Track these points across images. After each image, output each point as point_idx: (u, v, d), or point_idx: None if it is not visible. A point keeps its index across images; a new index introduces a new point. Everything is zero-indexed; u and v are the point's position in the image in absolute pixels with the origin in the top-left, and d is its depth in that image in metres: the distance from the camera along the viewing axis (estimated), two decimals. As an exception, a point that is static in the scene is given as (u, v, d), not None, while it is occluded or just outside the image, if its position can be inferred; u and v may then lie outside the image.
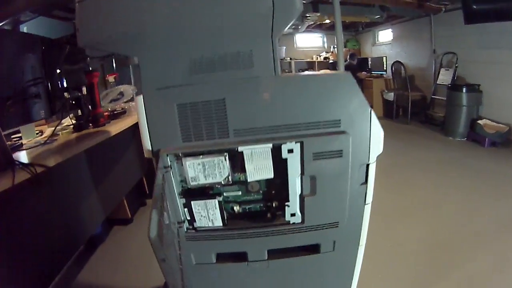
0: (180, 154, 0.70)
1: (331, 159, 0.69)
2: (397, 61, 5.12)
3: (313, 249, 0.82)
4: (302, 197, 0.73)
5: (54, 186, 1.32)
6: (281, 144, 0.68)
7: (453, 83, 4.17)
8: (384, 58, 5.72)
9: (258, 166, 0.70)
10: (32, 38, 1.43)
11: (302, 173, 0.70)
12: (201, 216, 0.76)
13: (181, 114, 0.68)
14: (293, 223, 0.76)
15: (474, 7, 3.10)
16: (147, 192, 2.63)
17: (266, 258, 0.82)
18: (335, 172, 0.70)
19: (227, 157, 0.71)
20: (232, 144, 0.68)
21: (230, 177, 0.73)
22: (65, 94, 1.50)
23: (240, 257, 0.82)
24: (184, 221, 0.76)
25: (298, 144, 0.68)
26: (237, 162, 0.73)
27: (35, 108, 1.34)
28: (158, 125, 0.69)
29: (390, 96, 5.24)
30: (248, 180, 0.72)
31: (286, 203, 0.74)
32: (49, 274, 1.25)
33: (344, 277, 0.87)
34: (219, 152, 0.71)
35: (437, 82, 4.53)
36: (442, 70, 4.47)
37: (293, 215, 0.75)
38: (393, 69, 5.16)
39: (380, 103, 5.58)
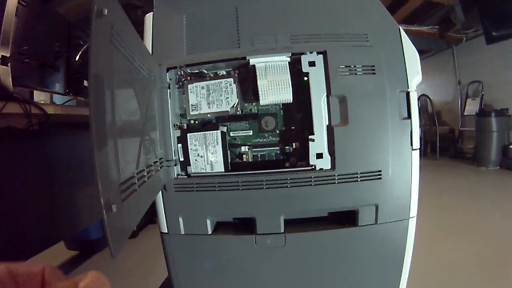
0: (182, 73, 0.59)
1: (362, 75, 0.56)
2: (423, 95, 5.06)
3: (348, 219, 0.59)
4: (330, 129, 0.56)
5: (46, 145, 1.21)
6: (300, 56, 0.56)
7: (480, 110, 4.02)
8: None
9: (274, 83, 0.56)
10: (61, 18, 1.52)
11: (329, 93, 0.56)
12: (198, 155, 0.58)
13: (189, 25, 0.60)
14: (320, 170, 0.56)
15: (494, 33, 3.22)
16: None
17: (282, 230, 0.59)
18: (369, 92, 0.56)
19: (236, 79, 0.59)
20: (243, 54, 0.57)
21: (239, 106, 0.59)
22: (85, 82, 1.50)
23: (246, 227, 0.59)
24: (175, 163, 0.58)
25: (321, 56, 0.56)
26: (249, 88, 0.60)
27: (52, 78, 1.35)
28: (163, 38, 0.61)
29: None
30: (261, 103, 0.57)
31: (310, 137, 0.56)
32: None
33: (390, 267, 0.60)
34: (228, 75, 0.60)
35: (465, 114, 4.40)
36: (469, 100, 4.38)
37: (319, 156, 0.56)
38: (419, 104, 5.02)
39: None
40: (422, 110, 5.07)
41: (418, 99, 5.06)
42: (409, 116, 0.59)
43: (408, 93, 0.59)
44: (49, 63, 1.38)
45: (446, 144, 4.86)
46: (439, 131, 4.78)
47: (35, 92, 1.56)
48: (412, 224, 0.60)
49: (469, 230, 2.00)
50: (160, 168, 0.53)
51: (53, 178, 1.26)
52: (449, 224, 2.12)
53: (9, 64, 1.09)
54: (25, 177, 1.12)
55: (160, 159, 0.54)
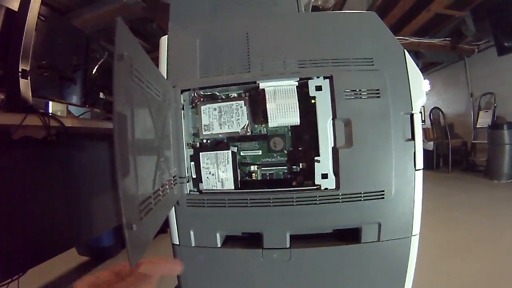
0: (196, 94, 0.64)
1: (367, 99, 0.59)
2: (435, 108, 5.02)
3: (352, 236, 0.61)
4: (335, 151, 0.59)
5: (62, 155, 1.26)
6: (307, 81, 0.60)
7: (493, 123, 3.98)
8: (422, 108, 5.58)
9: (282, 106, 0.60)
10: (79, 32, 1.60)
11: (334, 116, 0.59)
12: (209, 173, 0.62)
13: (202, 49, 0.64)
14: (325, 189, 0.59)
15: (506, 44, 3.19)
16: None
17: (288, 245, 0.61)
18: (374, 115, 0.58)
19: (247, 102, 0.63)
20: (253, 78, 0.61)
21: (249, 127, 0.63)
22: (101, 94, 1.57)
23: (254, 242, 0.62)
24: (188, 180, 0.62)
25: (327, 81, 0.59)
26: (259, 110, 0.64)
27: (69, 90, 1.42)
28: (177, 61, 0.65)
29: (430, 145, 4.97)
30: (269, 125, 0.60)
31: (316, 158, 0.59)
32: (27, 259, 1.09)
33: (392, 283, 0.61)
34: (239, 97, 0.64)
35: (477, 126, 4.34)
36: (481, 113, 4.33)
37: (324, 176, 0.59)
38: (431, 117, 5.03)
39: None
40: (434, 123, 5.04)
41: (430, 112, 5.04)
42: (413, 137, 0.61)
43: (412, 115, 0.61)
44: (67, 75, 1.46)
45: (459, 157, 4.82)
46: (451, 144, 4.72)
47: (51, 102, 1.64)
48: (415, 241, 0.62)
49: (479, 246, 1.97)
50: (174, 185, 0.57)
51: (68, 186, 1.32)
52: (458, 240, 2.09)
53: (29, 78, 1.16)
54: (41, 184, 1.18)
55: (174, 176, 0.58)
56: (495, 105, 4.19)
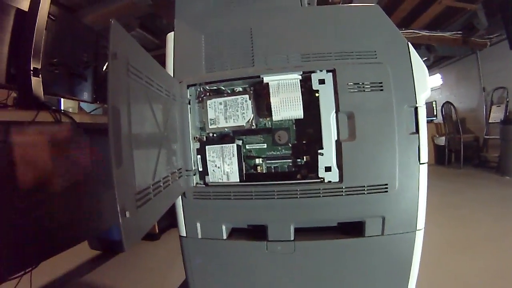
0: (202, 89, 0.65)
1: (370, 92, 0.59)
2: (447, 102, 4.93)
3: (356, 229, 0.62)
4: (339, 144, 0.59)
5: (73, 149, 1.29)
6: (310, 74, 0.60)
7: (506, 118, 3.89)
8: (434, 103, 5.55)
9: (285, 100, 0.61)
10: (89, 30, 1.64)
11: (337, 110, 0.59)
12: (215, 166, 0.63)
13: (207, 44, 0.66)
14: (329, 182, 0.60)
15: None
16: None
17: (293, 238, 0.62)
18: (377, 108, 0.59)
19: (251, 96, 0.64)
20: (257, 72, 0.61)
21: (254, 121, 0.64)
22: None
23: (259, 234, 0.63)
24: (194, 173, 0.64)
25: (330, 74, 0.60)
26: (263, 104, 0.65)
27: (80, 87, 1.46)
28: (183, 57, 0.67)
29: (442, 140, 4.91)
30: (273, 119, 0.61)
31: (319, 151, 0.60)
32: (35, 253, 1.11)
33: (396, 278, 0.62)
34: (244, 92, 0.65)
35: (489, 121, 4.25)
36: (494, 108, 4.23)
37: (328, 169, 0.60)
38: (443, 112, 4.93)
39: (431, 150, 5.14)
40: (446, 118, 4.94)
41: (442, 106, 4.93)
42: (417, 131, 0.61)
43: (416, 108, 0.61)
44: (77, 73, 1.49)
45: (470, 152, 4.72)
46: (463, 139, 4.63)
47: (62, 99, 1.68)
48: (419, 236, 0.62)
49: (486, 244, 1.94)
50: (179, 177, 0.59)
51: (79, 181, 1.36)
52: (466, 238, 2.07)
53: (40, 75, 1.19)
54: (54, 178, 1.21)
55: (179, 169, 0.59)
56: (507, 99, 4.08)
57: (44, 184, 1.17)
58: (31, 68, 1.26)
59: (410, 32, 3.55)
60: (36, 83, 1.26)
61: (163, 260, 1.91)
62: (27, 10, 1.27)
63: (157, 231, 2.24)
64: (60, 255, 1.24)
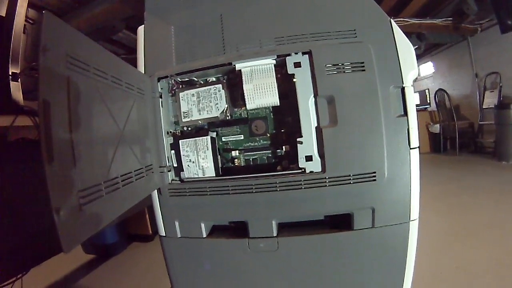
0: (174, 82, 0.60)
1: (351, 73, 0.55)
2: (440, 89, 4.88)
3: (345, 223, 0.58)
4: (319, 130, 0.55)
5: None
6: (285, 58, 0.56)
7: (499, 103, 3.84)
8: (427, 91, 5.52)
9: (259, 87, 0.56)
10: None
11: (316, 94, 0.55)
12: (190, 161, 0.59)
13: (177, 35, 0.61)
14: (310, 172, 0.55)
15: (509, 22, 3.06)
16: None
17: (275, 234, 0.58)
18: (359, 90, 0.54)
19: (225, 85, 0.59)
20: (228, 60, 0.57)
21: (228, 111, 0.59)
22: None
23: (240, 232, 0.59)
24: (169, 169, 0.59)
25: (306, 57, 0.56)
26: (238, 94, 0.60)
27: None
28: (154, 50, 0.62)
29: (436, 128, 4.87)
30: (247, 107, 0.57)
31: (298, 139, 0.56)
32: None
33: (390, 272, 0.58)
34: (217, 82, 0.61)
35: (484, 107, 4.21)
36: (487, 93, 4.19)
37: (309, 158, 0.55)
38: (436, 100, 4.89)
39: (426, 138, 5.14)
40: (440, 105, 4.88)
41: (435, 94, 4.90)
42: (405, 113, 0.56)
43: (403, 89, 0.57)
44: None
45: (466, 139, 4.68)
46: (458, 126, 4.57)
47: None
48: (414, 227, 0.58)
49: (487, 231, 1.90)
50: (147, 174, 0.54)
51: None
52: (466, 225, 2.03)
53: (19, 80, 1.15)
54: (39, 183, 1.17)
55: (148, 165, 0.55)
56: (500, 84, 4.03)
57: (30, 188, 1.13)
58: (10, 73, 1.22)
59: (400, 21, 3.50)
60: (15, 87, 1.22)
61: (158, 261, 1.86)
62: (4, 15, 1.23)
63: (150, 232, 2.20)
64: (54, 260, 1.20)
